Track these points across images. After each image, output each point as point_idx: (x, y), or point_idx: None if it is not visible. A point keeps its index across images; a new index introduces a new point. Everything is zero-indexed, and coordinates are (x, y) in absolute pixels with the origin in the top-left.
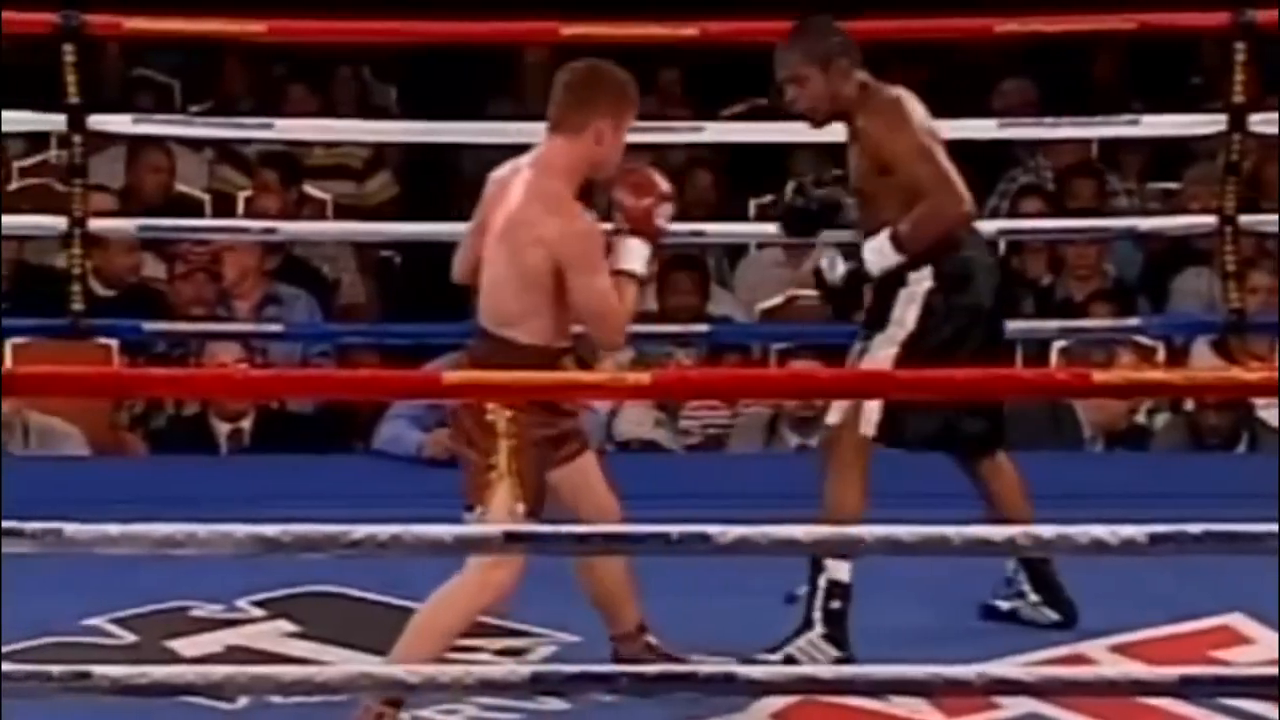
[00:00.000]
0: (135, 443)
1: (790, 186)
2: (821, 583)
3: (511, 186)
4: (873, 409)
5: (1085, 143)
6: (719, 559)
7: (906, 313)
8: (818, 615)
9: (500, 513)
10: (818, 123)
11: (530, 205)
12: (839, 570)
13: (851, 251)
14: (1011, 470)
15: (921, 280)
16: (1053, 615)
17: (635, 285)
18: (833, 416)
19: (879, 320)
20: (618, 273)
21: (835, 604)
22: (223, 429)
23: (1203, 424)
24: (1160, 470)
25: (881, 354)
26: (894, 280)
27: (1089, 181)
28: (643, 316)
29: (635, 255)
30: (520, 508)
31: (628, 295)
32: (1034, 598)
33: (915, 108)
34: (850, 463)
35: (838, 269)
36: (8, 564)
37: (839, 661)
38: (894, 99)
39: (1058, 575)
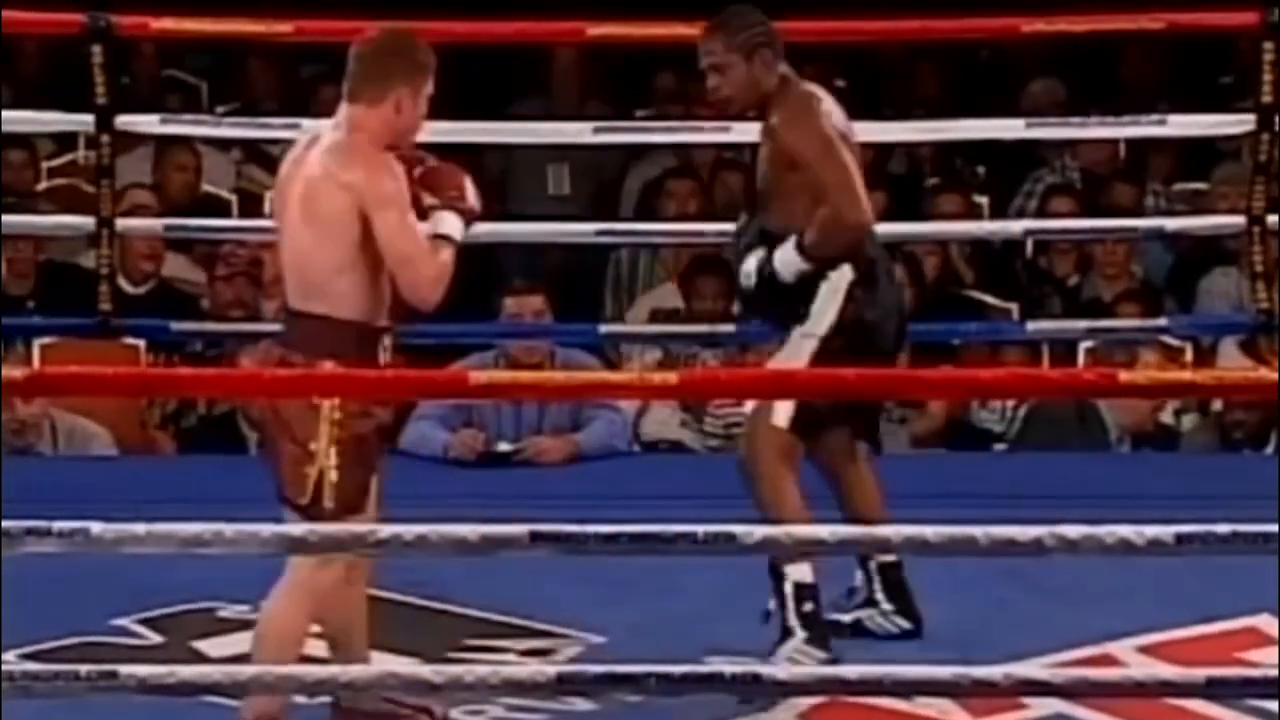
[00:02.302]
0: (165, 442)
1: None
2: (788, 589)
3: (307, 158)
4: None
5: (1113, 143)
6: (745, 559)
7: (828, 306)
8: (794, 622)
9: (323, 507)
10: (734, 113)
11: (331, 159)
12: (800, 573)
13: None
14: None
15: (843, 275)
16: (904, 624)
17: (451, 250)
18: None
19: (798, 313)
20: (433, 237)
21: (807, 606)
22: (254, 436)
23: (1230, 424)
24: (1189, 471)
25: (803, 347)
26: (814, 275)
27: (1116, 182)
28: (669, 316)
29: (450, 224)
30: (330, 505)
31: (443, 256)
32: (887, 606)
33: (830, 109)
34: (770, 459)
35: (753, 277)
36: (37, 563)
37: (826, 663)
38: (808, 95)
39: (908, 583)
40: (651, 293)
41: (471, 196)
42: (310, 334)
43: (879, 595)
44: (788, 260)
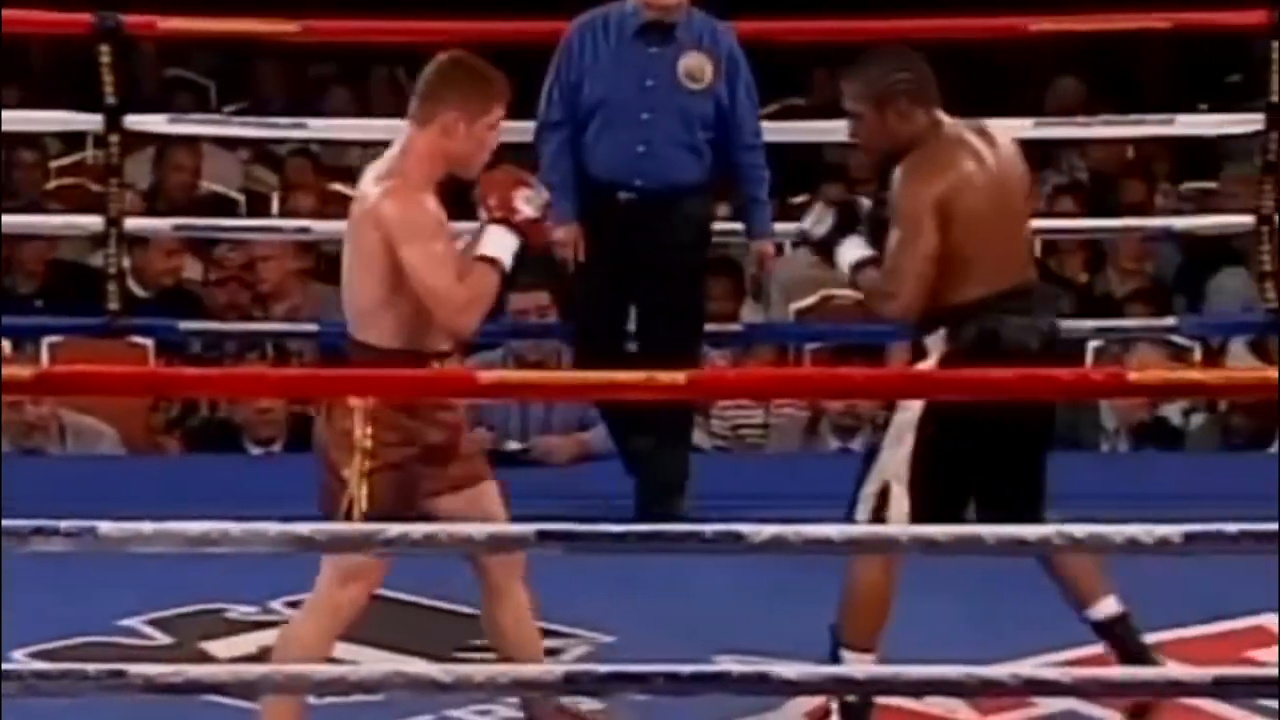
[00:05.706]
0: (170, 443)
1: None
2: None
3: (364, 181)
4: (900, 505)
5: (1123, 143)
6: (753, 558)
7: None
8: None
9: None
10: (873, 160)
11: (372, 187)
12: None
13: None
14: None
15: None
16: None
17: (493, 272)
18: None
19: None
20: (477, 259)
21: None
22: (255, 451)
23: (1232, 424)
24: (1191, 470)
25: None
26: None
27: (1126, 180)
28: None
29: (497, 242)
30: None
31: (482, 281)
32: None
33: (972, 165)
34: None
35: (818, 231)
36: (44, 563)
37: None
38: (936, 153)
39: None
40: None
41: (523, 203)
42: (360, 362)
43: None
44: (850, 255)
